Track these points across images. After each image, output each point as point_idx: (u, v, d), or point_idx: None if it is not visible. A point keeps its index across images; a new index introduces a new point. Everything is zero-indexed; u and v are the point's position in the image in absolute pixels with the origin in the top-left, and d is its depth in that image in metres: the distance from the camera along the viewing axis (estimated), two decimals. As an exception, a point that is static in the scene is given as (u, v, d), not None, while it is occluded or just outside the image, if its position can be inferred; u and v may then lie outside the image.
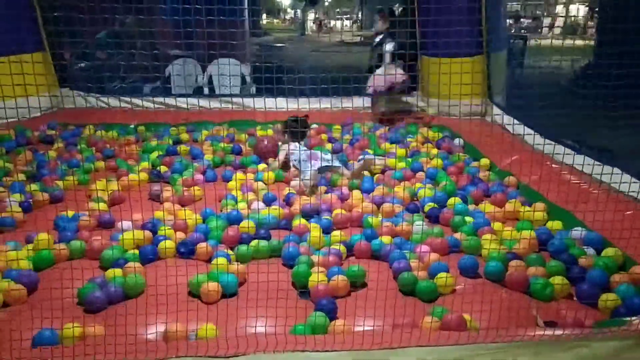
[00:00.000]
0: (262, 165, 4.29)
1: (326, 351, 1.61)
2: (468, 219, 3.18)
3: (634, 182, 2.98)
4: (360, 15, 18.06)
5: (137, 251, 2.75)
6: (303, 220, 3.13)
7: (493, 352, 1.58)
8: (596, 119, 3.31)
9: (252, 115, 5.73)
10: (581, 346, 1.63)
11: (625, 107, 2.94)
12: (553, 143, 3.44)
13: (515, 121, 4.32)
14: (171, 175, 4.01)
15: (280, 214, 3.25)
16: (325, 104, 5.11)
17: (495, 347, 1.62)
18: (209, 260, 2.69)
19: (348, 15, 20.25)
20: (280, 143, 4.53)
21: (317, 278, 2.42)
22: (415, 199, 3.62)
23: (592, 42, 4.17)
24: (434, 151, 4.61)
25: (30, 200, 3.45)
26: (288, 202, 3.51)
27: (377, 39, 5.83)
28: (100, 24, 5.91)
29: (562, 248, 2.77)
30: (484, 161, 4.32)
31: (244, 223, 3.05)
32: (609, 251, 2.69)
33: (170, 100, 5.99)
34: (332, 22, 19.81)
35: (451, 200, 3.43)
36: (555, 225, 3.08)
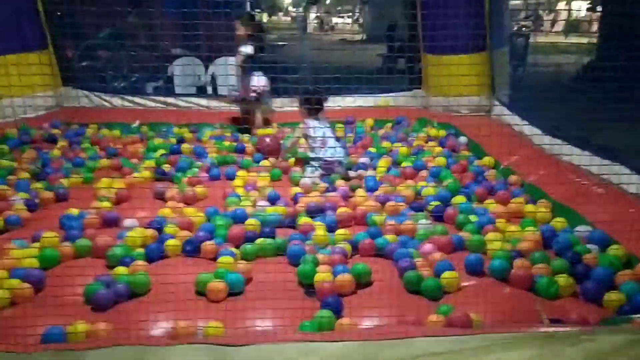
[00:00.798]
0: (265, 162, 4.31)
1: (334, 341, 1.62)
2: (472, 217, 3.19)
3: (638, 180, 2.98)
4: (361, 14, 18.04)
5: (142, 249, 2.76)
6: (308, 219, 3.14)
7: (499, 344, 1.58)
8: (601, 116, 3.30)
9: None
10: (587, 340, 1.63)
11: (629, 103, 2.94)
12: (559, 141, 3.44)
13: (519, 118, 4.32)
14: (175, 174, 4.02)
15: (285, 212, 3.26)
16: (328, 102, 5.10)
17: (501, 338, 1.63)
18: (214, 259, 2.70)
19: (350, 14, 20.23)
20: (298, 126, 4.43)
21: (322, 276, 2.43)
22: (419, 197, 3.63)
23: (595, 40, 4.17)
24: (438, 149, 4.61)
25: (36, 198, 3.46)
26: (296, 201, 3.51)
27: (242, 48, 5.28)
28: (103, 23, 5.93)
29: (566, 246, 2.78)
30: (488, 159, 4.32)
31: (248, 221, 3.06)
32: (613, 249, 2.69)
33: (172, 99, 6.00)
34: (334, 20, 19.81)
35: (456, 199, 3.44)
36: (560, 223, 3.08)
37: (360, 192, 3.63)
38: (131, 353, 1.62)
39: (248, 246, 2.81)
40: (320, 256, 2.66)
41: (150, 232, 2.93)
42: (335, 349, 1.61)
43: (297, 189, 3.70)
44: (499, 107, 5.33)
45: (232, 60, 5.37)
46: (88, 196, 3.52)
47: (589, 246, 2.77)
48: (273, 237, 2.93)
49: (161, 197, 3.60)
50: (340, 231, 3.00)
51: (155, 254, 2.74)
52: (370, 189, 3.70)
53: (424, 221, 3.10)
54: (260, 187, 3.73)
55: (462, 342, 1.64)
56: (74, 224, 3.07)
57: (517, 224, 3.10)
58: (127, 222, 3.09)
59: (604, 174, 3.19)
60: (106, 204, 3.37)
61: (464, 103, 5.29)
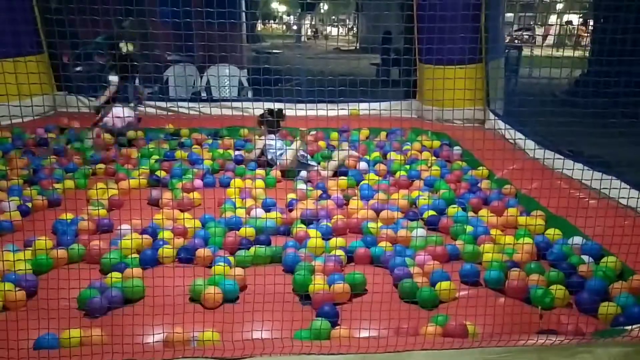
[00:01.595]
0: (260, 171, 4.29)
1: (332, 354, 1.61)
2: (468, 227, 3.20)
3: (632, 192, 3.00)
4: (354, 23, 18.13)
5: (137, 256, 2.74)
6: (302, 226, 3.14)
7: (498, 357, 1.59)
8: (594, 129, 3.33)
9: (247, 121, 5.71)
10: (584, 352, 1.64)
11: (621, 117, 2.96)
12: (552, 153, 3.46)
13: (513, 130, 4.35)
14: (170, 180, 4.00)
15: (280, 220, 3.25)
16: (322, 110, 5.09)
17: (500, 351, 1.63)
18: (209, 266, 2.68)
19: (343, 23, 20.32)
20: (255, 137, 4.66)
21: (318, 285, 2.43)
22: (414, 206, 3.63)
23: (587, 52, 4.22)
24: (432, 159, 4.63)
25: (28, 203, 3.43)
26: (292, 208, 3.50)
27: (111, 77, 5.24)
28: (99, 28, 5.91)
29: (561, 257, 2.79)
30: (482, 170, 4.34)
31: (243, 229, 3.05)
32: (608, 260, 2.71)
33: (169, 105, 5.98)
34: (328, 29, 19.88)
35: (451, 209, 3.45)
36: (554, 234, 3.09)
37: (354, 202, 3.62)
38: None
39: (243, 253, 2.79)
40: (315, 264, 2.65)
41: (145, 238, 2.91)
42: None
43: (292, 195, 3.69)
44: (493, 118, 5.37)
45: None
46: (82, 202, 3.49)
47: (583, 257, 2.79)
48: (268, 245, 2.92)
49: (155, 204, 3.58)
50: (333, 240, 2.99)
51: (149, 261, 2.72)
52: (365, 198, 3.70)
53: (420, 231, 3.10)
54: (255, 195, 3.72)
55: (460, 355, 1.64)
56: (68, 229, 3.05)
57: (512, 235, 3.11)
58: (121, 228, 3.07)
59: (595, 188, 3.21)
60: (100, 210, 3.34)
61: (459, 114, 5.31)
